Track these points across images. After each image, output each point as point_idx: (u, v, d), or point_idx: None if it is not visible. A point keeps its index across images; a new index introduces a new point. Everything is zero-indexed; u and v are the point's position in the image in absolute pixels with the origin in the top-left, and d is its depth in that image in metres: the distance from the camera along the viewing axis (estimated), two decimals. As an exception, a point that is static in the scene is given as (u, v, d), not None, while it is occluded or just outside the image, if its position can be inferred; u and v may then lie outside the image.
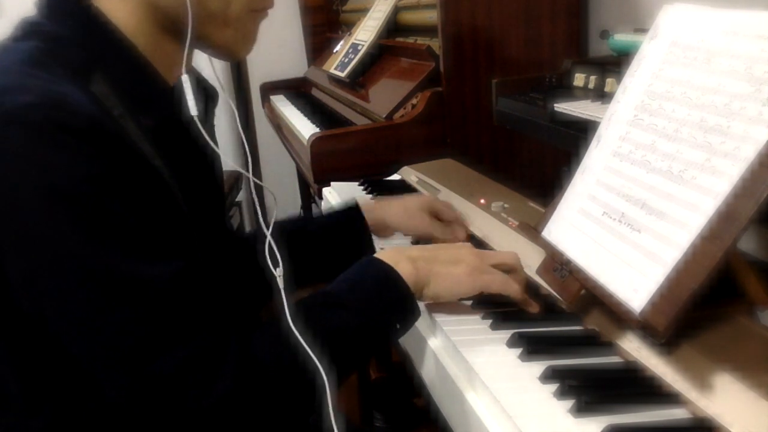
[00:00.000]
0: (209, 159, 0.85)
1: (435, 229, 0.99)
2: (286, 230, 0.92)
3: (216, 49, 0.77)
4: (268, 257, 0.74)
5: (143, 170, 0.66)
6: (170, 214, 0.70)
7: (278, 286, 0.73)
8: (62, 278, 0.60)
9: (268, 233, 0.75)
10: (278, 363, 0.65)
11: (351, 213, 1.01)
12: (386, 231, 1.02)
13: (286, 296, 0.70)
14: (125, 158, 0.64)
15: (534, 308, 0.77)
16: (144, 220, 0.63)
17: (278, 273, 0.74)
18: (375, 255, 0.77)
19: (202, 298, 0.65)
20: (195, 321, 0.63)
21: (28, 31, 0.70)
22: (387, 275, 0.73)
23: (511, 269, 0.80)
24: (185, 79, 0.73)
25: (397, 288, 0.73)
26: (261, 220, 0.77)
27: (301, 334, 0.66)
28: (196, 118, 0.73)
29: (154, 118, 0.72)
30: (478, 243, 1.00)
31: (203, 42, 0.75)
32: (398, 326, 0.74)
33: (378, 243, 1.02)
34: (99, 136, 0.62)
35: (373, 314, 0.72)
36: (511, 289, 0.77)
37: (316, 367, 0.65)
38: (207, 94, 0.85)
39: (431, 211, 1.01)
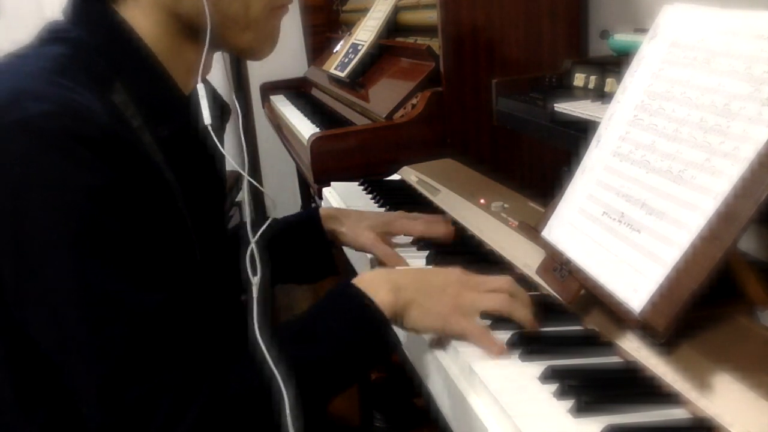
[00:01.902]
0: (217, 169, 0.85)
1: (377, 251, 0.96)
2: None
3: (239, 52, 0.78)
4: (248, 264, 0.73)
5: (153, 184, 0.67)
6: (174, 229, 0.70)
7: (252, 293, 0.72)
8: (54, 291, 0.61)
9: (252, 241, 0.74)
10: (248, 400, 0.64)
11: (310, 223, 1.02)
12: (338, 242, 1.02)
13: (257, 306, 0.69)
14: (137, 171, 0.64)
15: (535, 326, 0.73)
16: (141, 242, 0.63)
17: (255, 281, 0.72)
18: (356, 280, 0.73)
19: (183, 329, 0.64)
20: (172, 353, 0.63)
21: (53, 36, 0.70)
22: (362, 306, 0.70)
23: (510, 294, 0.74)
24: (200, 87, 0.74)
25: (373, 320, 0.70)
26: (249, 226, 0.76)
27: (269, 354, 0.64)
28: (209, 127, 0.73)
29: (169, 128, 0.72)
30: (477, 243, 1.00)
31: (226, 45, 0.75)
32: (374, 357, 0.72)
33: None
34: (113, 148, 0.62)
35: (346, 348, 0.69)
36: (485, 343, 0.69)
37: (285, 403, 0.63)
38: (221, 109, 0.85)
39: (385, 232, 0.99)
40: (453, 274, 0.76)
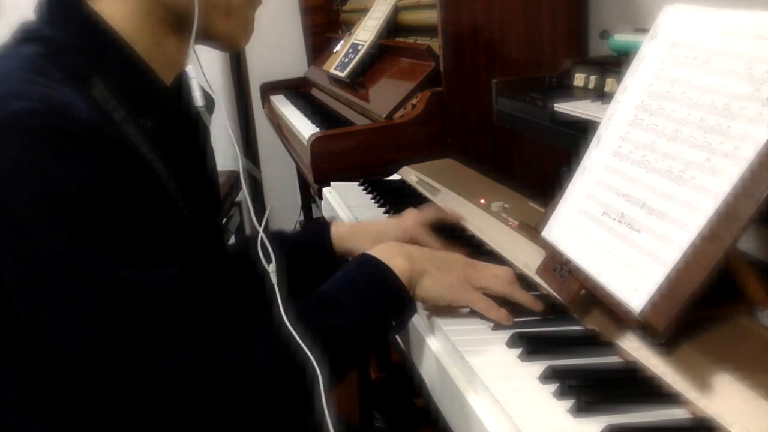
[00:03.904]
0: (206, 160, 0.85)
1: None
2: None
3: (218, 41, 0.77)
4: (260, 253, 0.74)
5: (142, 175, 0.67)
6: (169, 218, 0.70)
7: (271, 282, 0.73)
8: (60, 285, 0.60)
9: (260, 229, 0.76)
10: (275, 365, 0.66)
11: (320, 243, 0.99)
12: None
13: (279, 292, 0.70)
14: (124, 164, 0.64)
15: (539, 307, 0.77)
16: (142, 226, 0.64)
17: (271, 269, 0.74)
18: (371, 251, 0.77)
19: (200, 302, 0.65)
20: (193, 325, 0.64)
21: (27, 36, 0.70)
22: (383, 273, 0.74)
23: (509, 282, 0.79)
24: (190, 69, 0.74)
25: (393, 286, 0.73)
26: (254, 217, 0.77)
27: (296, 334, 0.66)
28: (203, 109, 0.73)
29: (153, 119, 0.72)
30: (477, 243, 1.00)
31: (205, 34, 0.75)
32: (395, 324, 0.74)
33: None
34: (98, 143, 0.62)
35: (369, 313, 0.72)
36: (492, 312, 0.75)
37: (313, 368, 0.65)
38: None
39: (412, 240, 0.97)
40: (457, 255, 0.83)
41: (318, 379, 0.65)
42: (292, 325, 0.66)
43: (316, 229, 1.02)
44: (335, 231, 0.99)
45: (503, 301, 0.77)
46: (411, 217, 0.99)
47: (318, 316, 0.70)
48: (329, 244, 0.98)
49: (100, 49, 0.70)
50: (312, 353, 0.65)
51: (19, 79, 0.63)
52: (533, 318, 0.76)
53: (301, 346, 0.65)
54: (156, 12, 0.72)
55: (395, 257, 0.75)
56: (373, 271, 0.74)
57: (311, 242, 1.00)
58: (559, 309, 0.77)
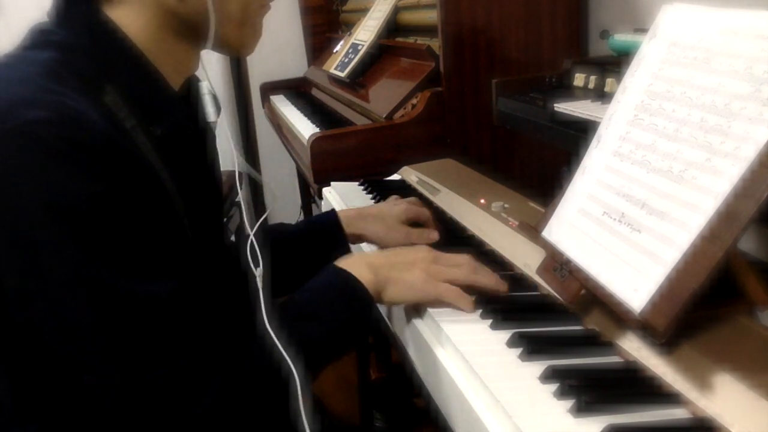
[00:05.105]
0: (212, 168, 0.86)
1: (412, 238, 1.01)
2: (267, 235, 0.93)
3: (228, 48, 0.78)
4: (249, 257, 0.75)
5: (150, 185, 0.68)
6: (172, 228, 0.71)
7: (257, 285, 0.74)
8: (61, 293, 0.61)
9: (251, 233, 0.77)
10: (261, 372, 0.68)
11: (330, 226, 1.02)
12: (361, 242, 1.05)
13: (264, 296, 0.72)
14: (134, 175, 0.65)
15: (503, 287, 0.81)
16: (146, 237, 0.65)
17: (258, 273, 0.75)
18: (337, 263, 0.80)
19: (196, 312, 0.67)
20: (188, 335, 0.65)
21: (41, 39, 0.70)
22: (352, 286, 0.77)
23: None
24: (203, 85, 0.75)
25: (361, 298, 0.77)
26: (245, 219, 0.78)
27: (279, 340, 0.68)
28: (214, 124, 0.75)
29: (162, 127, 0.73)
30: (477, 243, 1.00)
31: (217, 42, 0.76)
32: (361, 332, 0.79)
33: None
34: (110, 154, 0.63)
35: (341, 323, 0.76)
36: (462, 302, 0.78)
37: (294, 375, 0.67)
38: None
39: (409, 219, 1.03)
40: (421, 251, 0.84)
41: (297, 385, 0.68)
42: (275, 334, 0.68)
43: (324, 214, 1.07)
44: (343, 215, 1.04)
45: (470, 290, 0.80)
46: (400, 200, 1.07)
47: (297, 327, 0.72)
48: (340, 226, 1.02)
49: (112, 55, 0.71)
50: (297, 368, 0.68)
51: (35, 87, 0.63)
52: (533, 318, 0.76)
53: (283, 355, 0.68)
54: (171, 22, 0.73)
55: (362, 269, 0.79)
56: (344, 283, 0.78)
57: (323, 224, 1.04)
58: (559, 309, 0.77)
